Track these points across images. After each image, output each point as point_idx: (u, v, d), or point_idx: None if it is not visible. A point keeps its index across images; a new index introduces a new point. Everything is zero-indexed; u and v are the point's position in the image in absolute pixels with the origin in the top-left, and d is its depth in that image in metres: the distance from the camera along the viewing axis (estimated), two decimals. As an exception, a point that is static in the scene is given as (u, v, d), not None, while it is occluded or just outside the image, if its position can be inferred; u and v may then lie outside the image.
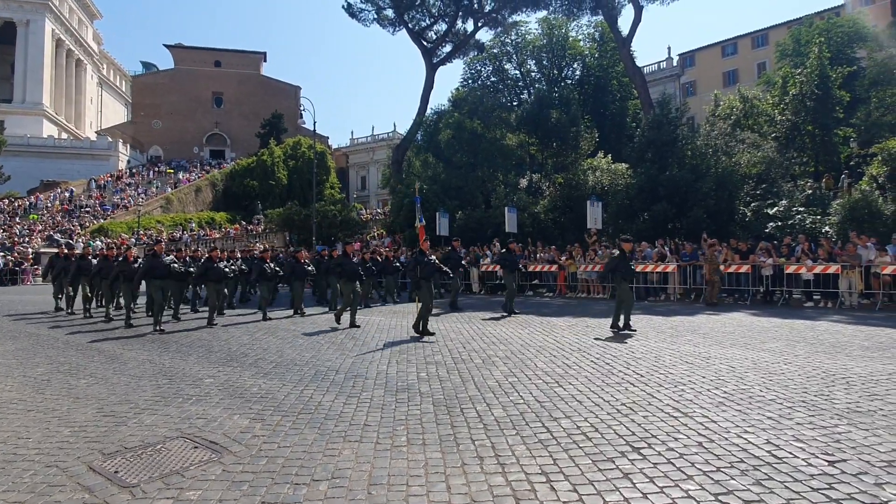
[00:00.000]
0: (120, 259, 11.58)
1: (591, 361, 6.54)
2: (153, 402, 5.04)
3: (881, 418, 4.27)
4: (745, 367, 6.10)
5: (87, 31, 73.22)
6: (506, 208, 19.66)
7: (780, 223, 16.78)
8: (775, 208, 17.43)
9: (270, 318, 11.25)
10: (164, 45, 66.37)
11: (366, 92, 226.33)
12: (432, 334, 8.71)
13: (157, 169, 56.26)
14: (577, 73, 34.88)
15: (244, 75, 66.47)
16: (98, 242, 31.18)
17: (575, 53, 34.30)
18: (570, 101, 27.21)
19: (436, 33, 33.76)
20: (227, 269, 11.77)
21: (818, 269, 12.77)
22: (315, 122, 31.17)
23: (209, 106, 65.89)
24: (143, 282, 10.80)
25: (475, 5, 31.57)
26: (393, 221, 28.59)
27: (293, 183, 47.66)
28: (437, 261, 9.98)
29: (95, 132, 66.38)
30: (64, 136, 61.89)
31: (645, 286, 15.46)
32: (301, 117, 60.55)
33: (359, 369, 6.32)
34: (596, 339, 8.23)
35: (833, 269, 12.56)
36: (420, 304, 9.04)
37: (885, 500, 2.92)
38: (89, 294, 12.98)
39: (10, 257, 31.18)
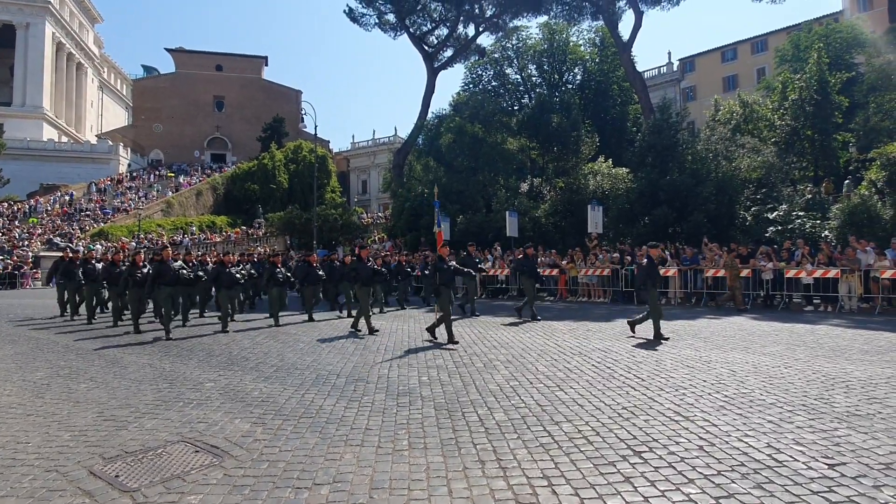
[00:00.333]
0: (128, 264, 11.36)
1: (593, 365, 6.54)
2: (154, 406, 5.03)
3: (880, 422, 4.28)
4: (745, 371, 6.11)
5: (88, 34, 73.46)
6: (507, 212, 19.69)
7: (780, 227, 16.80)
8: (775, 213, 17.45)
9: (282, 325, 11.00)
10: (166, 49, 66.62)
11: (367, 96, 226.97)
12: (456, 342, 8.36)
13: (157, 173, 56.34)
14: (578, 77, 34.96)
15: (245, 79, 66.66)
16: (98, 246, 31.22)
17: (576, 58, 34.39)
18: (571, 106, 27.28)
19: (437, 38, 33.86)
20: (238, 275, 11.51)
21: (818, 274, 12.78)
22: (316, 126, 31.22)
23: (210, 110, 66.04)
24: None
25: (476, 10, 31.68)
26: (394, 225, 28.61)
27: (294, 187, 47.73)
28: (456, 265, 9.74)
29: (96, 136, 66.46)
30: (64, 139, 62.01)
31: (645, 290, 15.45)
32: (302, 121, 60.45)
33: (360, 373, 6.32)
34: (637, 346, 7.94)
35: (833, 273, 12.57)
36: (439, 310, 8.81)
37: (884, 502, 2.94)
38: (96, 299, 12.74)
39: (9, 261, 31.20)
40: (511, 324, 10.79)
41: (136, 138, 63.95)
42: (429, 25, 33.56)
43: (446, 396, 5.21)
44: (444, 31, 33.69)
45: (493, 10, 31.46)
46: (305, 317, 11.97)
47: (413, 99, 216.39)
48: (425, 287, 16.14)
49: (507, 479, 3.29)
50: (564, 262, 17.22)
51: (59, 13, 63.42)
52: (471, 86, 34.96)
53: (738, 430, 4.10)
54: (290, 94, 66.77)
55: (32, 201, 45.14)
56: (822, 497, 3.00)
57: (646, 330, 9.57)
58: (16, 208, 43.38)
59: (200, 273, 11.23)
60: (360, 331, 9.92)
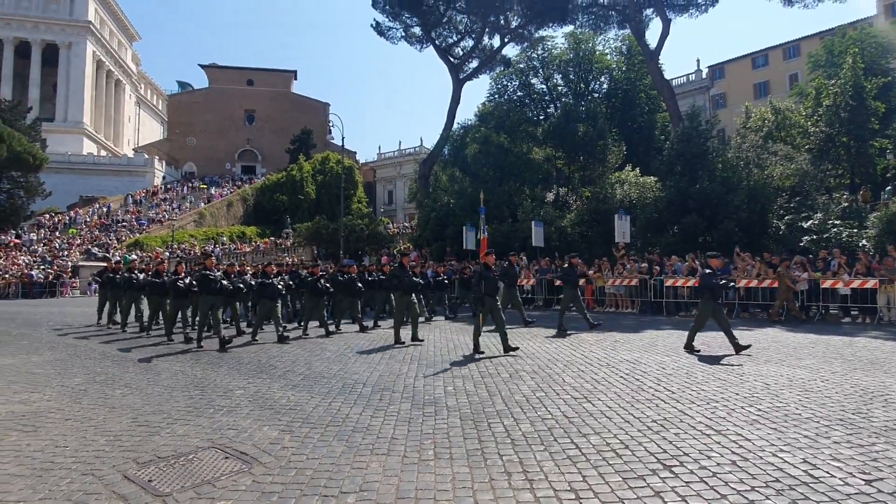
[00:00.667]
0: (171, 274, 11.40)
1: (621, 377, 6.44)
2: (186, 412, 5.15)
3: (927, 440, 4.10)
4: (780, 385, 5.92)
5: (127, 52, 76.44)
6: (532, 222, 19.61)
7: (815, 237, 16.31)
8: (810, 221, 16.96)
9: (332, 333, 10.91)
10: (200, 66, 69.03)
11: (393, 107, 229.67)
12: (516, 349, 8.23)
13: (190, 184, 57.96)
14: (605, 86, 34.70)
15: (275, 93, 68.29)
16: (133, 256, 32.18)
17: (602, 67, 34.18)
18: (598, 115, 27.09)
19: (462, 49, 34.12)
20: (281, 286, 11.14)
21: (855, 284, 12.34)
22: (343, 138, 31.69)
23: (241, 123, 67.79)
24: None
25: (502, 21, 31.84)
26: (420, 235, 28.76)
27: (321, 197, 48.51)
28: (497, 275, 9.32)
29: (133, 149, 68.94)
30: (103, 153, 64.47)
31: (675, 301, 15.17)
32: (330, 133, 61.57)
33: (386, 382, 6.35)
34: (702, 360, 7.44)
35: (871, 283, 12.12)
36: (479, 320, 8.50)
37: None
38: (139, 309, 12.67)
39: (50, 270, 32.41)
40: (557, 336, 10.38)
41: (171, 151, 66.00)
42: (454, 37, 33.86)
43: (472, 407, 5.19)
44: (469, 43, 33.95)
45: (519, 21, 31.57)
46: (355, 327, 11.80)
47: (439, 110, 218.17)
48: (450, 296, 16.06)
49: (534, 491, 3.26)
50: (591, 272, 17.02)
51: (99, 32, 66.22)
52: (496, 96, 35.03)
53: (773, 444, 3.98)
54: (317, 107, 68.11)
55: (72, 213, 46.90)
56: (863, 516, 2.88)
57: (675, 342, 9.39)
58: (57, 220, 45.10)
59: (241, 285, 11.07)
60: (422, 340, 9.70)
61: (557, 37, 37.33)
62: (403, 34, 33.72)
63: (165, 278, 11.56)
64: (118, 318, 12.98)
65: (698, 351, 8.17)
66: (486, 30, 32.59)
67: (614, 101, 33.38)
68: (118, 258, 22.99)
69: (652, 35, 28.31)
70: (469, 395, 5.64)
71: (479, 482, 3.40)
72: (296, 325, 12.61)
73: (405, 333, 9.85)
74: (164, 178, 60.21)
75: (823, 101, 23.45)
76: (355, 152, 66.57)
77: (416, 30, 33.28)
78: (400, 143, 68.85)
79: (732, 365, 7.15)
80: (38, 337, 11.30)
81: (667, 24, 27.31)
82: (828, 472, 3.44)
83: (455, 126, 31.59)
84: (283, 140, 61.90)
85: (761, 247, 16.45)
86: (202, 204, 49.91)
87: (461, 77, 33.52)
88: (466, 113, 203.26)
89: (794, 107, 26.83)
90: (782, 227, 17.83)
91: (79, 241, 39.67)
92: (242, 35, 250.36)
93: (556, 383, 6.15)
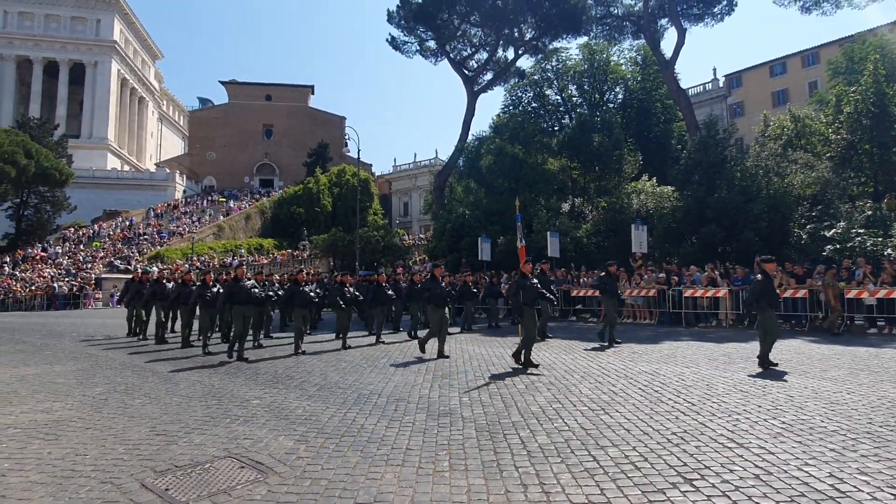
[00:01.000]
0: (198, 284, 11.20)
1: (639, 389, 6.33)
2: (203, 422, 5.18)
3: (961, 454, 3.95)
4: (804, 397, 5.77)
5: (150, 70, 78.45)
6: (548, 233, 19.52)
7: (838, 246, 15.94)
8: (833, 230, 16.59)
9: (350, 347, 10.62)
10: (220, 82, 70.22)
11: (408, 120, 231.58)
12: (537, 366, 7.82)
13: (210, 198, 58.90)
14: (620, 96, 34.60)
15: (293, 108, 69.37)
16: (154, 268, 32.71)
17: (617, 77, 34.10)
18: (613, 125, 26.98)
19: (477, 62, 34.37)
20: (312, 294, 10.87)
21: (881, 294, 12.02)
22: (359, 151, 32.01)
23: (260, 137, 68.91)
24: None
25: (516, 34, 32.02)
26: (435, 247, 28.78)
27: (337, 209, 48.94)
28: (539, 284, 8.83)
29: (155, 164, 70.48)
30: (126, 168, 66.02)
31: (695, 312, 14.93)
32: (346, 146, 62.39)
33: (401, 393, 6.33)
34: (750, 376, 6.99)
35: (899, 293, 11.79)
36: (524, 332, 8.11)
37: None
38: (163, 320, 12.46)
39: (74, 282, 33.10)
40: (594, 349, 9.91)
41: (192, 166, 67.26)
42: (469, 50, 34.15)
43: (487, 418, 5.15)
44: (483, 56, 34.20)
45: (533, 33, 31.72)
46: (372, 339, 11.56)
47: (453, 122, 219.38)
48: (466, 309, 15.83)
49: (551, 503, 3.21)
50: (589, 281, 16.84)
51: (124, 52, 68.17)
52: (511, 107, 35.10)
53: (798, 458, 3.87)
54: (334, 121, 68.99)
55: (96, 226, 47.91)
56: (893, 533, 2.78)
57: (695, 353, 9.22)
58: (81, 233, 46.12)
59: (271, 293, 10.94)
60: (425, 354, 9.40)
61: (572, 48, 37.49)
62: (418, 48, 34.11)
63: (193, 288, 11.39)
64: (151, 328, 12.83)
65: (775, 365, 7.53)
66: (501, 42, 32.82)
67: (630, 111, 33.23)
68: (147, 269, 23.33)
69: (667, 45, 28.35)
70: (484, 406, 5.60)
71: (494, 494, 3.36)
72: (334, 336, 12.27)
73: (431, 347, 9.54)
74: (184, 191, 61.33)
75: (844, 109, 23.05)
76: (371, 165, 67.26)
77: (431, 44, 33.65)
78: (415, 155, 69.18)
79: (754, 377, 7.00)
80: (61, 347, 11.50)
81: (682, 33, 27.22)
82: (855, 487, 3.33)
83: (470, 138, 31.73)
84: (300, 153, 62.77)
85: (783, 256, 16.13)
86: (221, 217, 50.65)
87: (476, 89, 33.73)
88: (481, 124, 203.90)
89: (814, 114, 26.40)
90: (804, 237, 17.48)
91: (102, 254, 40.46)
92: (262, 51, 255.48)
93: (573, 395, 6.07)
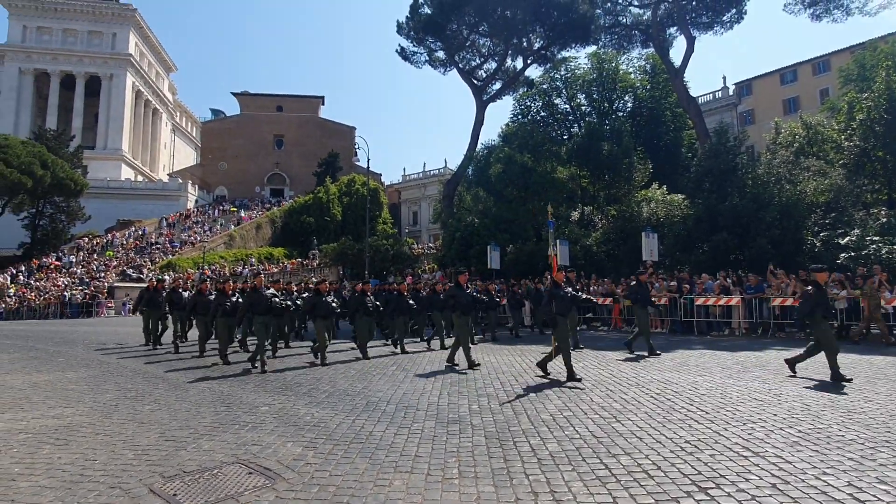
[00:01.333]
0: (217, 292, 10.93)
1: (651, 397, 6.24)
2: (211, 428, 5.18)
3: None
4: (820, 405, 5.66)
5: (164, 82, 79.66)
6: (557, 241, 19.42)
7: (853, 253, 15.72)
8: (847, 238, 16.37)
9: (370, 357, 10.28)
10: (232, 93, 71.10)
11: (418, 129, 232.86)
12: (579, 379, 7.34)
13: (221, 208, 59.42)
14: (629, 105, 34.60)
15: (303, 118, 70.01)
16: (166, 277, 33.00)
17: (626, 86, 34.12)
18: (622, 133, 26.92)
19: (486, 72, 34.49)
20: (335, 304, 10.51)
21: (900, 302, 11.80)
22: (369, 160, 32.16)
23: (271, 148, 69.54)
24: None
25: (524, 44, 32.13)
26: (444, 255, 28.76)
27: (347, 219, 49.15)
28: (574, 292, 8.56)
29: (168, 174, 71.28)
30: (140, 178, 66.86)
31: (707, 320, 14.76)
32: (356, 155, 62.72)
33: (410, 401, 6.29)
34: (817, 389, 6.59)
35: (917, 302, 11.57)
36: (556, 342, 7.83)
37: None
38: (180, 330, 12.33)
39: (87, 291, 33.45)
40: (627, 359, 9.52)
41: (204, 176, 67.97)
42: (477, 60, 34.28)
43: (497, 425, 5.09)
44: (492, 65, 34.30)
45: (541, 42, 31.80)
46: (394, 349, 11.38)
47: (463, 131, 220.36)
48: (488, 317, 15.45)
49: (562, 511, 3.15)
50: (619, 291, 16.72)
51: (138, 64, 69.33)
52: (520, 116, 35.23)
53: (815, 467, 3.78)
54: (344, 131, 69.47)
55: (110, 236, 48.47)
56: (917, 544, 2.69)
57: (708, 361, 9.09)
58: (95, 242, 46.66)
59: (289, 302, 10.71)
60: (457, 364, 9.03)
61: (580, 57, 37.64)
62: (427, 58, 34.31)
63: (210, 297, 11.15)
64: (166, 336, 12.67)
65: (850, 380, 6.99)
66: (509, 52, 32.92)
67: (639, 119, 33.21)
68: (163, 277, 23.40)
69: (676, 53, 28.26)
70: (494, 414, 5.54)
71: (504, 501, 3.31)
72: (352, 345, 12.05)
73: (460, 357, 9.24)
74: (196, 201, 61.92)
75: (857, 116, 22.80)
76: (380, 174, 67.51)
77: (440, 54, 33.84)
78: (424, 164, 69.38)
79: (770, 386, 6.88)
80: (73, 354, 11.59)
81: (691, 41, 27.17)
82: (875, 496, 3.25)
83: (479, 146, 31.77)
84: (310, 163, 63.20)
85: (796, 264, 15.93)
86: (232, 226, 51.04)
87: (484, 98, 33.83)
88: (490, 133, 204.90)
89: (826, 122, 26.17)
90: (818, 244, 17.26)
91: (115, 263, 40.89)
92: (273, 63, 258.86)
93: (584, 403, 6.00)
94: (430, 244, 45.33)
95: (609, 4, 30.13)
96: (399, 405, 6.04)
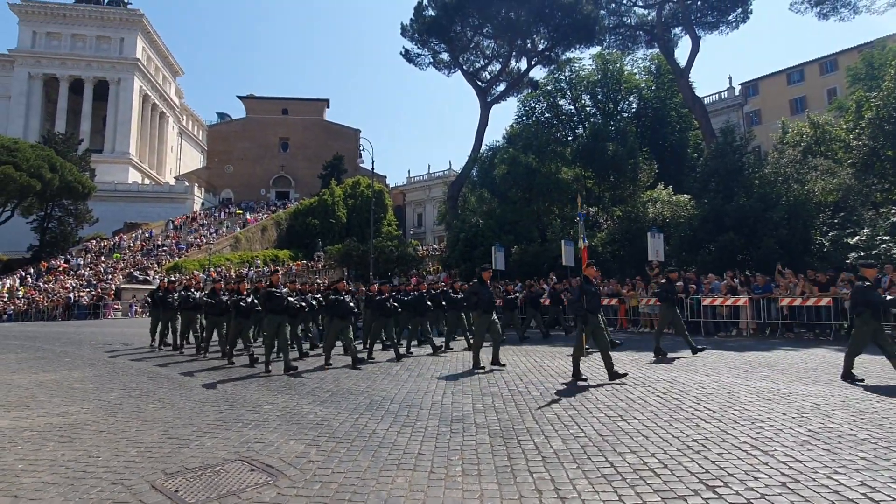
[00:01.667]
0: (231, 292, 10.76)
1: (658, 396, 6.18)
2: (215, 425, 5.16)
3: None
4: (831, 405, 5.57)
5: (171, 86, 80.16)
6: (562, 241, 19.34)
7: (862, 253, 15.55)
8: (856, 237, 16.21)
9: (374, 360, 9.98)
10: (238, 97, 71.60)
11: (422, 131, 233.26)
12: (624, 375, 7.19)
13: (227, 210, 59.67)
14: (634, 105, 34.45)
15: (308, 121, 70.29)
16: (173, 279, 33.14)
17: (631, 87, 33.98)
18: (627, 134, 26.83)
19: (490, 73, 34.51)
20: (353, 303, 10.11)
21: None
22: (373, 162, 32.21)
23: (276, 151, 69.86)
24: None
25: (528, 45, 32.10)
26: (448, 256, 28.72)
27: (352, 221, 49.25)
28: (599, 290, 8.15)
29: (174, 177, 71.73)
30: (147, 181, 67.25)
31: (714, 321, 14.64)
32: (360, 158, 63.10)
33: (413, 399, 6.25)
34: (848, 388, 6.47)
35: (928, 301, 11.37)
36: (582, 339, 7.54)
37: None
38: (189, 329, 12.10)
39: (94, 293, 33.64)
40: (657, 361, 9.16)
41: (210, 179, 68.34)
42: (481, 62, 34.32)
43: (501, 424, 5.05)
44: (496, 67, 34.33)
45: (545, 43, 31.78)
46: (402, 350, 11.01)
47: (467, 133, 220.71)
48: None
49: (566, 508, 3.10)
50: (625, 291, 16.63)
51: (146, 69, 69.81)
52: (524, 118, 35.14)
53: (827, 466, 3.71)
54: (349, 133, 69.70)
55: (117, 238, 48.76)
56: (931, 542, 2.62)
57: (715, 361, 9.00)
58: (102, 245, 46.95)
59: (303, 303, 10.54)
60: (504, 365, 8.80)
61: (585, 58, 37.48)
62: (432, 60, 34.37)
63: (223, 297, 10.98)
64: (169, 339, 12.48)
65: (861, 381, 6.85)
66: (513, 53, 32.92)
67: (644, 120, 33.05)
68: (174, 277, 23.39)
69: (681, 53, 28.25)
70: (498, 413, 5.50)
71: (508, 499, 3.27)
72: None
73: (484, 356, 9.06)
74: (202, 204, 62.21)
75: (865, 114, 22.62)
76: (385, 176, 67.67)
77: (444, 56, 33.89)
78: (429, 166, 69.70)
79: (779, 385, 6.79)
80: (79, 355, 11.62)
81: (696, 41, 27.06)
82: (889, 496, 3.18)
83: (483, 148, 31.76)
84: (315, 166, 63.43)
85: (804, 264, 15.80)
86: (238, 229, 51.22)
87: (489, 100, 33.82)
88: (494, 135, 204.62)
89: (834, 121, 25.99)
90: (826, 244, 17.10)
91: (122, 265, 41.11)
92: (279, 66, 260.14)
93: (589, 401, 5.94)
94: (435, 246, 45.33)
95: (613, 5, 30.07)
96: (402, 404, 6.01)
